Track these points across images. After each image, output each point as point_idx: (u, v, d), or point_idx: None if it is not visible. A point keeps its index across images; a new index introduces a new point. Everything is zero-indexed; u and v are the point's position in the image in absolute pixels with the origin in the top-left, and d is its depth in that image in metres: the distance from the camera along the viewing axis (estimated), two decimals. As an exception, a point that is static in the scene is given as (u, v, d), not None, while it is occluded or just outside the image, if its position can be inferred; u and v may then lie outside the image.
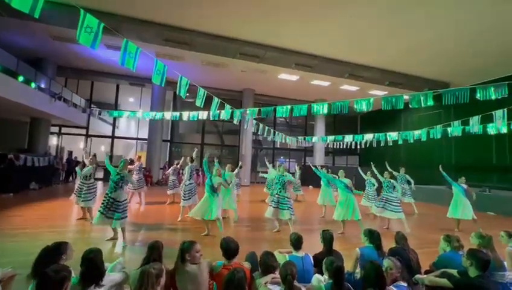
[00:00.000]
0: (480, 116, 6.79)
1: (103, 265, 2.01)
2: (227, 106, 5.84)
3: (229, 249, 2.40)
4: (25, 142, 12.26)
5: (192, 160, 6.69)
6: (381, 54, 10.53)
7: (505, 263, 2.81)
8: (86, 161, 6.12)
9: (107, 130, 16.59)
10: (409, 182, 8.43)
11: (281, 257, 2.59)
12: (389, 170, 7.48)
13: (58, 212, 6.59)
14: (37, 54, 11.59)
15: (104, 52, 10.69)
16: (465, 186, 6.48)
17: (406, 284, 2.09)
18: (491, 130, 7.20)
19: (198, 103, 4.76)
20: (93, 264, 1.90)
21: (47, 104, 10.49)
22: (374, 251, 2.82)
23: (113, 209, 4.42)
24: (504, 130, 6.98)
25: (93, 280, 1.84)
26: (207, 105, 5.16)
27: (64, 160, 13.72)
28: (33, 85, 9.84)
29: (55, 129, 14.06)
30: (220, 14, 8.28)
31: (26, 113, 11.06)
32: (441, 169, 6.63)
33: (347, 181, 5.87)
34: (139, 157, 9.25)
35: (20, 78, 9.11)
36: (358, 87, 13.54)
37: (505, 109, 5.69)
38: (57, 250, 2.10)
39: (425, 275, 2.55)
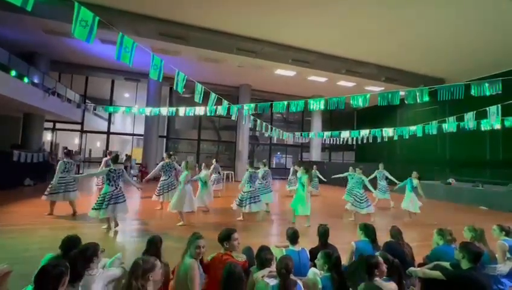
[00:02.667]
0: (474, 112, 6.86)
1: (83, 263, 1.88)
2: (225, 102, 5.82)
3: (220, 235, 2.54)
4: (18, 138, 12.08)
5: (169, 156, 6.71)
6: (378, 50, 10.52)
7: (496, 255, 2.88)
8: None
9: (102, 126, 16.42)
10: (386, 178, 8.60)
11: (278, 251, 2.62)
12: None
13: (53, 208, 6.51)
14: (30, 48, 11.34)
15: (99, 46, 10.51)
16: (415, 182, 6.90)
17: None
18: (485, 126, 7.30)
19: (197, 98, 4.74)
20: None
21: (40, 99, 10.31)
22: (369, 244, 2.86)
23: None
24: (498, 126, 7.07)
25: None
26: (204, 100, 5.14)
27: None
28: (26, 80, 9.65)
29: (49, 125, 13.85)
30: (217, 9, 8.18)
31: (19, 108, 10.86)
32: (396, 188, 7.45)
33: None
34: (110, 152, 8.08)
35: (13, 73, 8.92)
36: (354, 83, 13.56)
37: (499, 105, 5.75)
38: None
39: (418, 268, 2.61)
